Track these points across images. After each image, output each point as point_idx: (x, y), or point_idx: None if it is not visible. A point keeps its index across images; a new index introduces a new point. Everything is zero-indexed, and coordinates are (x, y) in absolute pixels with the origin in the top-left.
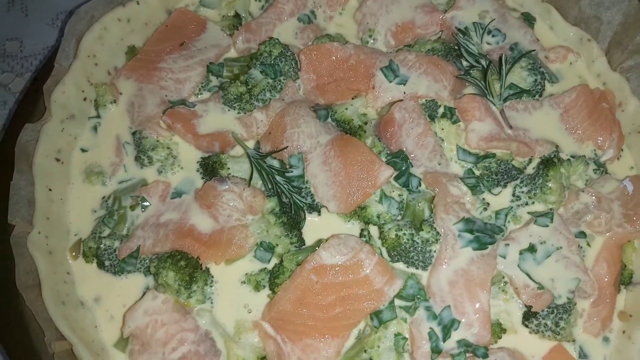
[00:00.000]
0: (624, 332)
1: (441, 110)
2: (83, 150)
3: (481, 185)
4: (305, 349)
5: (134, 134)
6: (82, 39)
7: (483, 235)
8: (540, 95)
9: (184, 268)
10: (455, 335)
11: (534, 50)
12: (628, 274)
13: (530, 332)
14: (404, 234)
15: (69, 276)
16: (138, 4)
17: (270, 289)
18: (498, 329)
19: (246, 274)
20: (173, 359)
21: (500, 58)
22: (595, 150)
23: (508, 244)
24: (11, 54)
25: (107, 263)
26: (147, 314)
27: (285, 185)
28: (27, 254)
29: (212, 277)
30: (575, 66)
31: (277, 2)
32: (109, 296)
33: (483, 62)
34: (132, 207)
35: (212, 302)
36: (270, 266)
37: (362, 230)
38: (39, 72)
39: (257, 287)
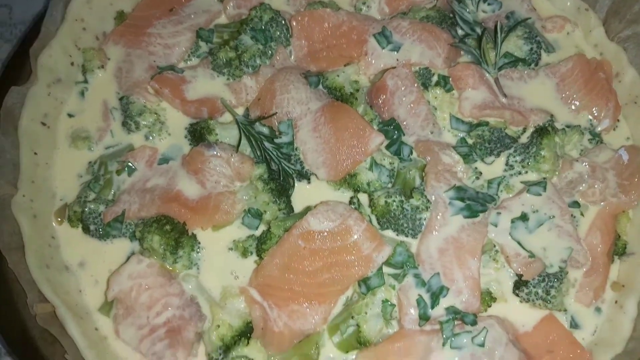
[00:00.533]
0: (616, 302)
1: (435, 78)
2: (70, 115)
3: (474, 154)
4: (291, 314)
5: (121, 99)
6: (70, 3)
7: (474, 203)
8: (536, 65)
9: (169, 232)
10: (444, 302)
11: (530, 18)
12: (622, 245)
13: (520, 301)
14: (394, 201)
15: (54, 240)
16: None
17: (258, 255)
18: (488, 298)
19: (233, 240)
20: (157, 323)
21: (496, 26)
22: (591, 120)
23: (500, 212)
24: (0, 21)
25: (92, 227)
26: (132, 277)
27: (274, 152)
28: (11, 216)
29: (199, 243)
30: (572, 36)
31: None
32: (94, 261)
33: (478, 30)
34: (118, 172)
35: (198, 268)
36: (258, 233)
37: (351, 197)
38: (26, 36)
39: (245, 254)
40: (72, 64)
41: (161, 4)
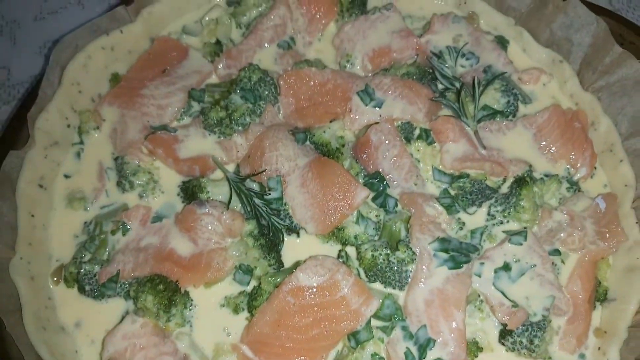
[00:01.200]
0: (599, 348)
1: (417, 132)
2: (66, 177)
3: (456, 204)
4: None
5: (116, 159)
6: (66, 68)
7: (458, 254)
8: (513, 116)
9: (162, 292)
10: (431, 355)
11: (506, 72)
12: (603, 291)
13: (506, 350)
14: (380, 254)
15: (50, 301)
16: (122, 32)
17: (249, 312)
18: (474, 348)
19: (225, 297)
20: None
21: (473, 80)
22: (568, 168)
23: (483, 263)
24: None
25: (87, 288)
26: (126, 337)
27: (263, 208)
28: (8, 279)
29: (192, 300)
30: (548, 87)
31: (257, 29)
32: (90, 321)
33: (457, 84)
34: (113, 232)
35: (191, 326)
36: (249, 289)
37: (339, 251)
38: (24, 100)
39: (236, 310)
40: (68, 126)
41: (154, 66)
